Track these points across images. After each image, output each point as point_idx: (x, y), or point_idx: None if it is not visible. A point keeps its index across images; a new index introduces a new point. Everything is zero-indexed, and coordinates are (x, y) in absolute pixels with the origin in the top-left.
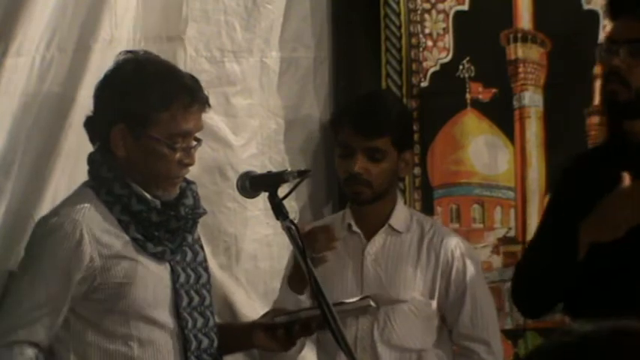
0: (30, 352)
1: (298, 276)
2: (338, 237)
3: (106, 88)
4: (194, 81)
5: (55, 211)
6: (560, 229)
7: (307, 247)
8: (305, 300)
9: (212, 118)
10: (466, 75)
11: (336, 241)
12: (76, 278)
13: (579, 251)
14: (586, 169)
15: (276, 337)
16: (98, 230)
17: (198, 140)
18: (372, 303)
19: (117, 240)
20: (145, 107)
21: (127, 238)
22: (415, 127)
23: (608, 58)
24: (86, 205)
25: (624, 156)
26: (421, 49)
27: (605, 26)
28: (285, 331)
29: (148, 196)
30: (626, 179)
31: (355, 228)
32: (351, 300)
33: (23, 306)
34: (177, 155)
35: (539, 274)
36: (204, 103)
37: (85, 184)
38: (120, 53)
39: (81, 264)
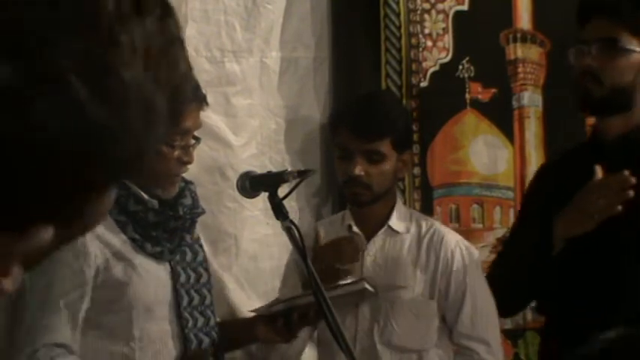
0: (58, 350)
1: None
2: (338, 235)
3: None
4: None
5: None
6: (535, 227)
7: (334, 259)
8: None
9: (212, 118)
10: (466, 75)
11: (361, 251)
12: (89, 275)
13: (554, 247)
14: (560, 168)
15: (276, 328)
16: (98, 229)
17: (197, 139)
18: (368, 286)
19: (115, 239)
20: None
21: (125, 237)
22: (415, 127)
23: (580, 58)
24: None
25: (599, 153)
26: (421, 49)
27: None
28: (284, 321)
29: (145, 196)
30: (599, 172)
31: (355, 229)
32: (345, 282)
33: (44, 312)
34: (176, 153)
35: (514, 273)
36: (201, 100)
37: None
38: None
39: (89, 260)
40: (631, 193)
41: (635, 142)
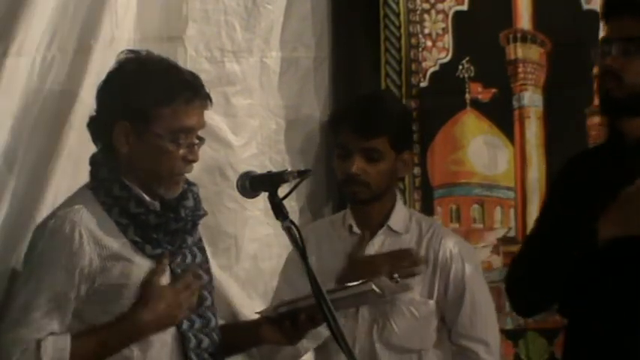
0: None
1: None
2: (339, 237)
3: (108, 87)
4: (195, 77)
5: (54, 214)
6: (559, 226)
7: (390, 269)
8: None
9: (212, 118)
10: (465, 75)
11: (421, 264)
12: (78, 280)
13: (596, 246)
14: (584, 167)
15: (282, 330)
16: (96, 231)
17: (201, 139)
18: (375, 287)
19: (115, 241)
20: (148, 103)
21: (125, 239)
22: (415, 127)
23: (602, 58)
24: (84, 206)
25: (622, 154)
26: (420, 49)
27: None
28: (290, 322)
29: (146, 198)
30: None
31: (356, 229)
32: (353, 283)
33: (30, 312)
34: (181, 151)
35: (538, 271)
36: (205, 99)
37: (85, 186)
38: (122, 52)
39: (81, 265)
40: None
41: None
